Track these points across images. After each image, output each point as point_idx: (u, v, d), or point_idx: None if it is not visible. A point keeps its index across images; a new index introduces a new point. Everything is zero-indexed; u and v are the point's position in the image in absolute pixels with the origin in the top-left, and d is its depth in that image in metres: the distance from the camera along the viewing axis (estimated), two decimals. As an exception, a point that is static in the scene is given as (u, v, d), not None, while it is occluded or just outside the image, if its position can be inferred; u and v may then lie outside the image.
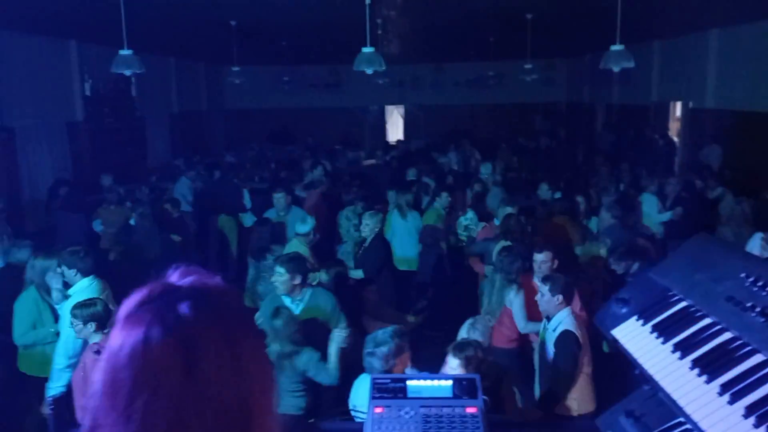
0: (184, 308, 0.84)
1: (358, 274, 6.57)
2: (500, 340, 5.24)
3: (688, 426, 1.69)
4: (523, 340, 5.33)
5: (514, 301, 5.20)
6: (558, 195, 8.65)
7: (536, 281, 5.07)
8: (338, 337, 4.40)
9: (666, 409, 1.81)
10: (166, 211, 8.60)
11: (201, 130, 17.98)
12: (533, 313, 5.05)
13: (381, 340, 3.71)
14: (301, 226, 6.58)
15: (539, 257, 5.28)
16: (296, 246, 6.28)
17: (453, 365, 3.66)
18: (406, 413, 2.10)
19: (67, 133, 12.05)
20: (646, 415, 1.90)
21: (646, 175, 10.21)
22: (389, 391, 2.18)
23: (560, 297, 4.45)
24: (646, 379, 1.73)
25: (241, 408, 0.84)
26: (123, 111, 13.84)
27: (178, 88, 16.76)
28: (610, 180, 10.73)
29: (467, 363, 3.61)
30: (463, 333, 4.36)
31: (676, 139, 14.73)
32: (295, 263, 4.79)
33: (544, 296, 4.52)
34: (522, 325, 5.17)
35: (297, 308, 4.73)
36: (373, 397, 2.14)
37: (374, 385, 2.19)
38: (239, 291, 0.99)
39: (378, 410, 2.11)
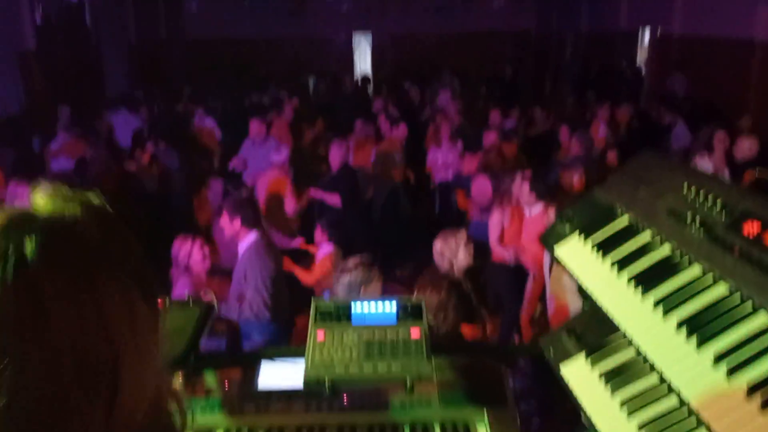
0: (30, 245, 0.72)
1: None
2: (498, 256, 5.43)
3: (627, 342, 1.68)
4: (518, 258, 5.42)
5: (492, 217, 5.31)
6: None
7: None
8: None
9: (606, 326, 1.80)
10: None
11: (160, 60, 17.36)
12: (511, 238, 5.22)
13: (348, 268, 3.65)
14: (277, 154, 6.55)
15: (525, 186, 5.28)
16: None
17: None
18: (349, 337, 2.06)
19: (18, 64, 11.51)
20: (586, 332, 1.89)
21: (596, 104, 10.19)
22: (332, 316, 2.13)
23: None
24: (586, 296, 1.70)
25: (104, 359, 0.74)
26: (77, 41, 13.24)
27: (135, 16, 16.05)
28: (577, 111, 10.70)
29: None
30: (437, 246, 4.37)
31: (642, 68, 14.66)
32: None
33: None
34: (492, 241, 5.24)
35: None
36: (315, 322, 2.10)
37: (317, 310, 2.13)
38: (113, 221, 0.87)
39: (320, 334, 2.07)
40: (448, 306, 3.43)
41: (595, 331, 1.87)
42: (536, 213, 5.13)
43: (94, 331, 0.74)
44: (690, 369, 1.17)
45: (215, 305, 2.23)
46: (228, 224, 4.51)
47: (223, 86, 14.08)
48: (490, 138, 7.88)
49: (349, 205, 6.84)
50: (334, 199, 6.80)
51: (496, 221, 5.33)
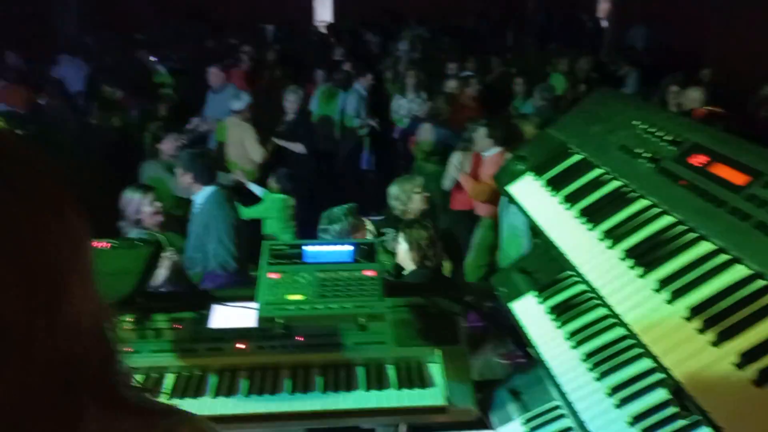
0: None
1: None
2: (456, 204, 5.47)
3: (576, 278, 1.70)
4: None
5: (464, 164, 5.30)
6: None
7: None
8: None
9: (556, 264, 1.81)
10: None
11: (112, 6, 16.63)
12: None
13: (335, 217, 3.60)
14: (237, 102, 6.41)
15: (481, 131, 5.25)
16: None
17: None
18: (302, 277, 2.04)
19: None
20: (538, 270, 1.90)
21: (556, 55, 10.19)
22: (286, 257, 2.11)
23: None
24: (536, 233, 1.71)
25: (46, 272, 0.72)
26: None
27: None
28: (538, 62, 10.66)
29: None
30: (391, 191, 4.42)
31: (604, 20, 14.67)
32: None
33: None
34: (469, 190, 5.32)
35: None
36: (268, 263, 2.07)
37: (270, 252, 2.11)
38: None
39: (273, 276, 2.04)
40: (437, 241, 3.51)
41: (545, 269, 1.89)
42: (492, 157, 5.17)
43: (34, 246, 0.71)
44: (633, 296, 1.18)
45: (164, 245, 2.18)
46: (182, 178, 4.42)
47: (178, 34, 13.62)
48: (449, 87, 7.85)
49: (308, 152, 6.79)
50: (297, 147, 6.73)
51: (454, 168, 5.36)
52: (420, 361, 2.12)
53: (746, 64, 9.06)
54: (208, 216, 4.32)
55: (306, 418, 1.97)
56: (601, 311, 1.56)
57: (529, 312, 1.76)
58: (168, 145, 5.83)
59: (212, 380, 2.03)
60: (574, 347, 1.52)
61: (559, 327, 1.62)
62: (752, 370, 0.90)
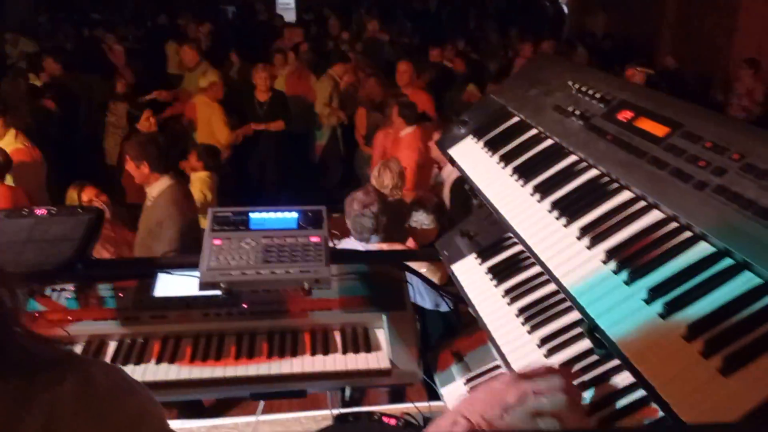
0: None
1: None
2: None
3: (514, 240, 1.73)
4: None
5: (375, 141, 5.69)
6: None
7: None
8: None
9: (497, 227, 1.84)
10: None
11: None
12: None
13: (369, 201, 3.53)
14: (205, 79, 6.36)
15: (394, 110, 5.52)
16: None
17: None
18: (247, 243, 2.03)
19: None
20: (479, 234, 1.93)
21: (518, 40, 10.29)
22: (230, 223, 2.09)
23: None
24: (476, 194, 1.73)
25: None
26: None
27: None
28: (499, 46, 10.73)
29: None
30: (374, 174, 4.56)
31: (565, 6, 14.81)
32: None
33: None
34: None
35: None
36: (212, 230, 2.05)
37: (214, 219, 2.09)
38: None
39: (217, 242, 2.03)
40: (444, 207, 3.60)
41: (486, 232, 1.92)
42: (406, 135, 5.42)
43: None
44: (557, 245, 1.21)
45: (105, 212, 2.15)
46: (135, 170, 3.95)
47: (134, 13, 13.33)
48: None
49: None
50: (277, 125, 6.77)
51: (378, 144, 5.65)
52: (366, 326, 2.14)
53: (703, 51, 9.26)
54: (162, 213, 3.92)
55: (251, 383, 1.97)
56: (536, 269, 1.60)
57: (469, 273, 1.79)
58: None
59: (156, 347, 2.02)
60: (510, 304, 1.56)
61: (497, 286, 1.65)
62: (660, 304, 0.93)
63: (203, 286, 1.90)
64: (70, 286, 2.07)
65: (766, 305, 0.86)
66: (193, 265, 2.07)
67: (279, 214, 2.15)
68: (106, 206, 4.00)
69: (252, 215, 2.12)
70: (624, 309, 0.97)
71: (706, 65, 9.04)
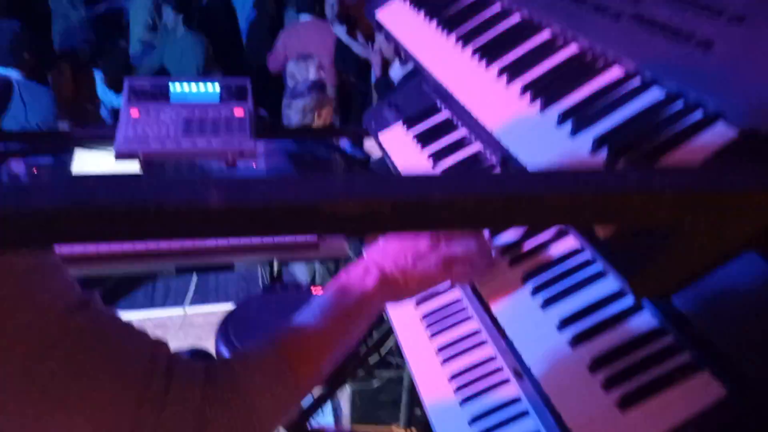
0: None
1: None
2: None
3: (447, 117, 1.71)
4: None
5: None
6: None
7: None
8: None
9: (425, 97, 1.82)
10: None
11: None
12: None
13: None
14: None
15: None
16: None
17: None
18: (166, 115, 1.95)
19: None
20: (406, 103, 1.90)
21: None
22: (148, 94, 2.00)
23: None
24: (409, 57, 1.68)
25: None
26: None
27: None
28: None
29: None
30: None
31: None
32: None
33: None
34: None
35: None
36: (128, 100, 1.96)
37: (129, 89, 1.99)
38: None
39: (134, 113, 1.94)
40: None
41: (413, 101, 1.89)
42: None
43: None
44: (476, 85, 1.19)
45: (12, 83, 2.01)
46: None
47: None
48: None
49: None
50: None
51: None
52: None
53: None
54: None
55: (176, 256, 1.94)
56: (461, 132, 1.59)
57: (395, 140, 1.76)
58: None
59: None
60: (434, 166, 1.55)
61: (422, 150, 1.64)
62: (569, 125, 0.93)
63: (119, 155, 1.82)
64: (-22, 162, 1.96)
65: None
66: (112, 139, 1.98)
67: (200, 87, 2.06)
68: None
69: (172, 87, 2.03)
70: (535, 135, 0.97)
71: None
